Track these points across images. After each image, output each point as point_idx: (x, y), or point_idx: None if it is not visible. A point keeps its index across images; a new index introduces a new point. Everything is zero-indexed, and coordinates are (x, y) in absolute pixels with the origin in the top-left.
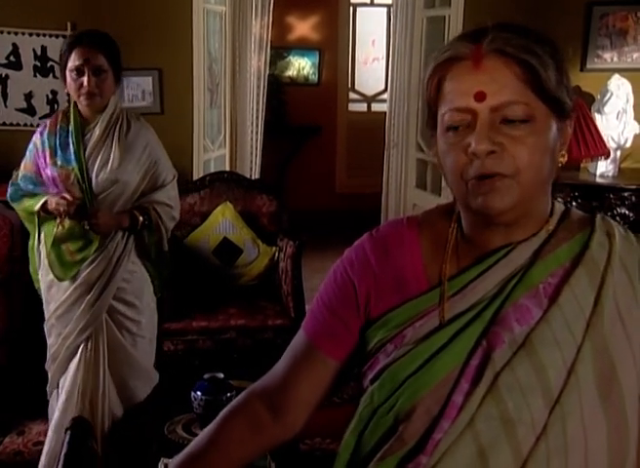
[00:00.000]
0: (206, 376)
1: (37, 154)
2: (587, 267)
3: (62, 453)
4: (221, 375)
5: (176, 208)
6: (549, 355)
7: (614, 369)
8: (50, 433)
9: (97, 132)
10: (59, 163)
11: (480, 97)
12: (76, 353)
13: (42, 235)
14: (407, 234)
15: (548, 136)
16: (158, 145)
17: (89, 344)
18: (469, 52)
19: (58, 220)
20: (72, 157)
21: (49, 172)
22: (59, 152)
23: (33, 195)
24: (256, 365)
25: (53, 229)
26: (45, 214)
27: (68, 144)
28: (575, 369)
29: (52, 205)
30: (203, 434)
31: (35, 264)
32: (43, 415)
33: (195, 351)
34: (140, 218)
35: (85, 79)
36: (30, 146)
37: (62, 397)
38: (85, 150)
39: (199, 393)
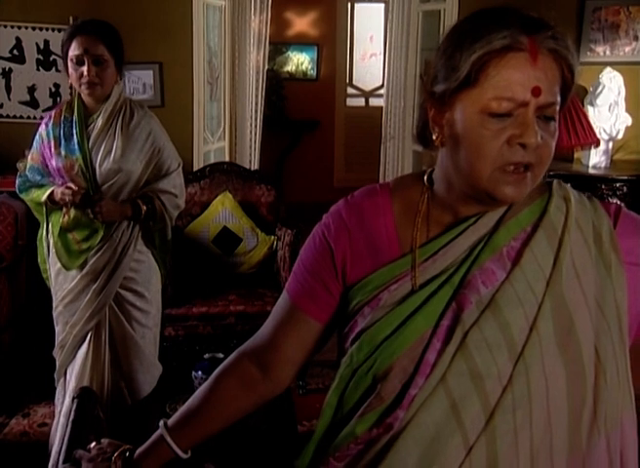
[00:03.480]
0: (206, 356)
1: (43, 145)
2: (546, 230)
3: (70, 420)
4: (221, 355)
5: (180, 196)
6: (513, 313)
7: (571, 323)
8: (61, 418)
9: (99, 122)
10: (63, 153)
11: (537, 92)
12: (84, 341)
13: (50, 225)
14: (380, 201)
15: (557, 133)
16: (162, 133)
17: (96, 332)
18: (527, 44)
19: (64, 210)
20: (76, 147)
21: (54, 162)
22: (63, 142)
23: (40, 186)
24: None
25: (60, 219)
26: (52, 205)
27: (72, 135)
28: (536, 325)
29: (57, 195)
30: (197, 393)
31: (44, 254)
32: (47, 398)
33: (196, 336)
34: (144, 207)
35: (85, 68)
36: (36, 137)
37: (72, 384)
38: (89, 140)
39: (200, 372)
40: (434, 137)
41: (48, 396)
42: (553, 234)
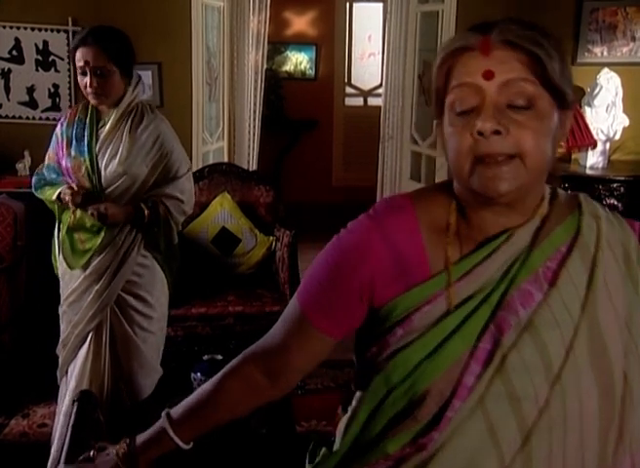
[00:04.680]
0: (205, 358)
1: (57, 144)
2: (580, 250)
3: (70, 424)
4: (220, 357)
5: (188, 202)
6: (550, 335)
7: (604, 343)
8: (61, 418)
9: (108, 125)
10: (72, 154)
11: (488, 75)
12: (85, 341)
13: (61, 223)
14: (406, 217)
15: (550, 123)
16: (171, 137)
17: (97, 333)
18: (478, 42)
19: (71, 210)
20: (85, 149)
21: (64, 162)
22: (74, 143)
23: (54, 185)
24: None
25: (68, 218)
26: (61, 204)
27: (84, 136)
28: (572, 346)
29: (63, 195)
30: (202, 391)
31: (55, 251)
32: (47, 399)
33: (194, 337)
34: (147, 211)
35: (88, 80)
36: (53, 136)
37: (72, 384)
38: (97, 142)
39: (199, 374)
40: (445, 157)
41: (48, 396)
42: (587, 254)
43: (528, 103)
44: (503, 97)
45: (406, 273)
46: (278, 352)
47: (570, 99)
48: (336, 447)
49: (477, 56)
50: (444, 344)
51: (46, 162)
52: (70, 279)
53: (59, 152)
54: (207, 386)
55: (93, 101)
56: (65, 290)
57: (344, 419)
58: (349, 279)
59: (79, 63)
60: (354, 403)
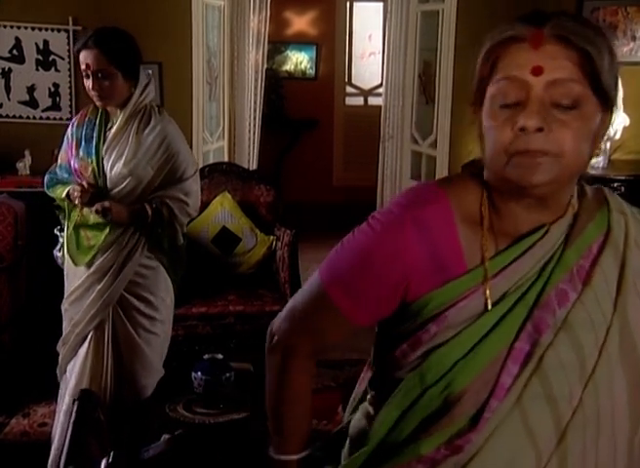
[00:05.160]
0: (206, 357)
1: (68, 145)
2: (612, 248)
3: (71, 422)
4: (221, 356)
5: (192, 204)
6: (585, 334)
7: (634, 341)
8: (61, 417)
9: (115, 126)
10: (80, 155)
11: (537, 71)
12: (85, 340)
13: (69, 220)
14: (441, 208)
15: (592, 124)
16: (178, 139)
17: (97, 333)
18: (530, 34)
19: (78, 207)
20: (92, 150)
21: (72, 162)
22: (83, 144)
23: (65, 183)
24: (253, 349)
25: (76, 216)
26: (70, 202)
27: (92, 137)
28: (605, 345)
29: (72, 191)
30: (300, 410)
31: (65, 248)
32: (48, 398)
33: (195, 336)
34: (149, 212)
35: (90, 83)
36: (65, 137)
37: (72, 382)
38: (104, 144)
39: (199, 373)
40: (481, 147)
41: (48, 396)
42: (617, 252)
43: (573, 104)
44: (549, 95)
45: (442, 267)
46: (315, 339)
47: (613, 100)
48: (346, 449)
49: (526, 48)
50: (481, 343)
51: (58, 162)
52: (74, 277)
53: (68, 152)
54: (283, 398)
55: (97, 103)
56: (68, 287)
57: (358, 417)
58: (384, 273)
59: (82, 66)
60: (371, 402)
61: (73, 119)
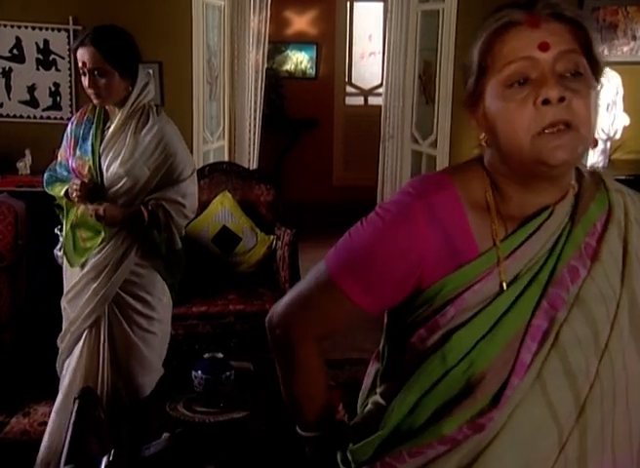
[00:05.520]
0: (206, 356)
1: (67, 143)
2: (615, 225)
3: (71, 421)
4: (221, 355)
5: (190, 206)
6: (598, 309)
7: None
8: (52, 414)
9: (113, 126)
10: (78, 153)
11: (544, 46)
12: (80, 339)
13: (67, 219)
14: (449, 195)
15: (594, 93)
16: (176, 139)
17: (93, 332)
18: (525, 17)
19: (76, 207)
20: (89, 149)
21: (70, 161)
22: (80, 143)
23: (64, 181)
24: (254, 348)
25: (72, 216)
26: (68, 200)
27: (90, 136)
28: (617, 318)
29: (69, 187)
30: (317, 391)
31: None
32: (48, 397)
33: (195, 335)
34: (146, 214)
35: (86, 81)
36: (64, 135)
37: (65, 381)
38: (101, 143)
39: (199, 372)
40: (481, 138)
41: (48, 395)
42: (620, 229)
43: (578, 71)
44: (559, 66)
45: (455, 252)
46: (324, 326)
47: (602, 72)
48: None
49: (526, 30)
50: (499, 323)
51: (58, 159)
52: (71, 275)
53: (67, 151)
54: (299, 385)
55: (95, 102)
56: (66, 286)
57: (369, 409)
58: (398, 262)
59: (79, 64)
60: (383, 394)
61: (73, 117)
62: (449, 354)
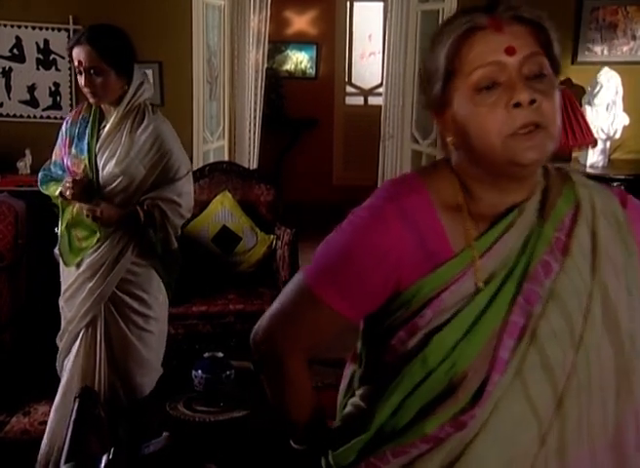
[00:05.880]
0: (206, 355)
1: (62, 142)
2: (583, 219)
3: (71, 420)
4: (221, 354)
5: (185, 205)
6: (572, 302)
7: (614, 305)
8: (51, 414)
9: (109, 124)
10: (73, 152)
11: (511, 51)
12: (77, 338)
13: (62, 219)
14: (422, 197)
15: (557, 93)
16: (171, 138)
17: (89, 331)
18: (488, 21)
19: (71, 206)
20: (85, 148)
21: (65, 159)
22: (76, 141)
23: (59, 181)
24: None
25: (68, 215)
26: (63, 200)
27: (85, 135)
28: (590, 311)
29: (62, 184)
30: (307, 404)
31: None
32: (48, 396)
33: (195, 335)
34: (141, 214)
35: (83, 80)
36: (59, 134)
37: (63, 380)
38: (97, 142)
39: (200, 371)
40: (449, 141)
41: (48, 394)
42: (587, 222)
43: (542, 72)
44: (526, 69)
45: (430, 254)
46: (309, 338)
47: (559, 72)
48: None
49: (490, 34)
50: (477, 322)
51: (52, 158)
52: (68, 275)
53: (62, 150)
54: (289, 400)
55: (91, 100)
56: (63, 285)
57: (348, 412)
58: (375, 267)
59: (75, 63)
60: (363, 397)
61: (68, 116)
62: (430, 356)
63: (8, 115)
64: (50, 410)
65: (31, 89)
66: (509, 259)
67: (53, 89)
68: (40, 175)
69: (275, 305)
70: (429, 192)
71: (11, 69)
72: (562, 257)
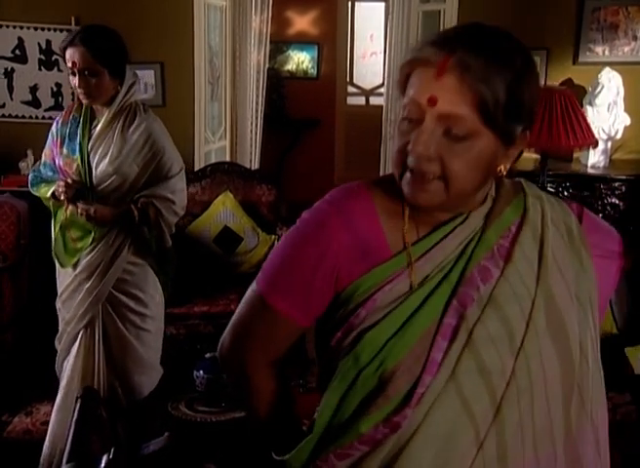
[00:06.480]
0: (207, 356)
1: (52, 142)
2: (530, 228)
3: (73, 420)
4: None
5: (179, 203)
6: (511, 308)
7: (560, 314)
8: (53, 414)
9: (101, 124)
10: (65, 152)
11: (432, 101)
12: (76, 339)
13: (55, 221)
14: (363, 203)
15: (487, 157)
16: (163, 137)
17: (88, 332)
18: (437, 62)
19: (64, 207)
20: (77, 147)
21: (57, 160)
22: (67, 141)
23: (50, 182)
24: None
25: (61, 216)
26: (55, 201)
27: (76, 135)
28: (532, 318)
29: (56, 188)
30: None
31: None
32: (50, 396)
33: (197, 335)
34: (136, 212)
35: (76, 81)
36: (49, 135)
37: (63, 381)
38: (89, 142)
39: (201, 372)
40: None
41: (50, 394)
42: (535, 231)
43: (465, 135)
44: (441, 125)
45: (368, 255)
46: (267, 349)
47: (515, 138)
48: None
49: (430, 74)
50: (409, 321)
51: (42, 159)
52: (64, 277)
53: (53, 150)
54: (260, 410)
55: (84, 101)
56: (60, 287)
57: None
58: (316, 266)
59: (68, 64)
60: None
61: (58, 117)
62: (361, 354)
63: (10, 116)
64: (52, 410)
65: (33, 89)
66: (447, 263)
67: (55, 89)
68: (30, 176)
69: (235, 317)
70: (373, 197)
71: (13, 70)
72: (504, 264)
